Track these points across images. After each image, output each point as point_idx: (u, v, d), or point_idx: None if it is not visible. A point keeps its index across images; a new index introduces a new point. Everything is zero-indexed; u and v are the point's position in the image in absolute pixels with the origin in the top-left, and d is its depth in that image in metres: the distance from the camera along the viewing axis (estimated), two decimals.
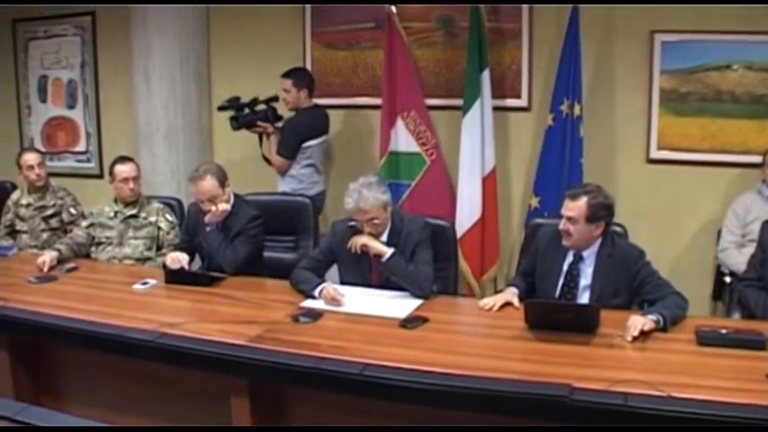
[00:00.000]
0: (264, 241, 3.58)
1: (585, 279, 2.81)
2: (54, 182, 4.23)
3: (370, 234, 2.99)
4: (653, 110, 4.06)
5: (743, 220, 3.62)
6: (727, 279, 3.68)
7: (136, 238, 3.68)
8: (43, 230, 4.07)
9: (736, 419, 1.90)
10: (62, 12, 5.45)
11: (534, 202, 4.10)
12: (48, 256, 3.41)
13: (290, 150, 4.21)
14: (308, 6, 4.75)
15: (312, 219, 3.84)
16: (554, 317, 2.54)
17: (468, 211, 4.18)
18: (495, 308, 2.80)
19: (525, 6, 4.23)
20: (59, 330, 2.70)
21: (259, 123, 4.27)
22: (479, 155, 4.15)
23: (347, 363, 2.30)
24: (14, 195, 4.18)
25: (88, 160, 5.63)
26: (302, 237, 3.82)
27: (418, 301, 2.89)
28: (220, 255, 3.34)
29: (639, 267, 2.74)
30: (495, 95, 4.20)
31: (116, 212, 3.71)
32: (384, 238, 3.02)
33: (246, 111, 4.26)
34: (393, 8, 4.30)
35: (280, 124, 4.31)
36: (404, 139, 4.36)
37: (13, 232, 4.12)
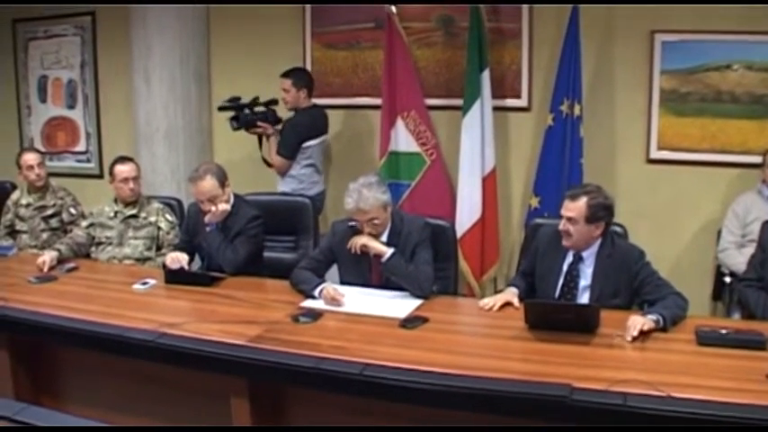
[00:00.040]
0: (264, 241, 3.58)
1: (585, 279, 2.81)
2: (54, 182, 4.23)
3: (370, 234, 2.99)
4: (653, 110, 4.06)
5: (743, 221, 3.62)
6: (727, 279, 3.68)
7: (136, 238, 3.68)
8: (43, 230, 4.07)
9: (736, 419, 1.90)
10: (62, 12, 5.45)
11: (534, 202, 4.10)
12: (48, 256, 3.41)
13: (290, 150, 4.21)
14: (308, 6, 4.75)
15: (312, 219, 3.84)
16: (554, 317, 2.54)
17: (468, 211, 4.18)
18: (495, 308, 2.80)
19: (525, 6, 4.23)
20: (59, 330, 2.70)
21: (259, 123, 4.27)
22: (479, 155, 4.15)
23: (347, 363, 2.30)
24: (14, 195, 4.18)
25: (88, 160, 5.63)
26: (302, 237, 3.82)
27: (418, 302, 2.89)
28: (220, 255, 3.34)
29: (639, 268, 2.74)
30: (495, 95, 4.20)
31: (116, 212, 3.71)
32: (384, 238, 3.02)
33: (246, 111, 4.26)
34: (393, 8, 4.30)
35: (279, 127, 4.30)
36: (404, 139, 4.36)
37: (12, 232, 4.12)
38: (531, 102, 4.33)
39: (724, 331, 2.40)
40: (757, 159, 3.70)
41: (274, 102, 4.30)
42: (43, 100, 5.72)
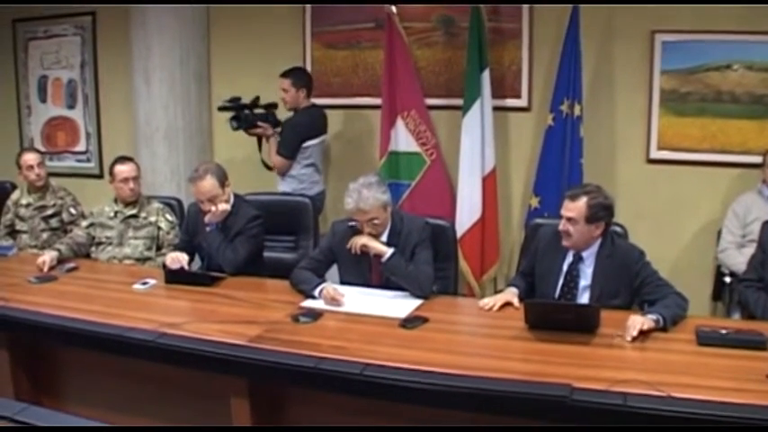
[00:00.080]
0: (264, 241, 3.58)
1: (585, 279, 2.81)
2: (54, 182, 4.23)
3: (370, 234, 2.99)
4: (653, 110, 4.06)
5: (743, 221, 3.62)
6: (728, 279, 3.68)
7: (136, 238, 3.68)
8: (43, 230, 4.07)
9: (736, 420, 1.90)
10: (62, 12, 5.44)
11: (534, 202, 4.10)
12: (48, 256, 3.41)
13: (290, 150, 4.20)
14: (308, 6, 4.75)
15: (312, 219, 3.84)
16: (554, 317, 2.54)
17: (468, 211, 4.18)
18: (495, 308, 2.80)
19: (525, 6, 4.24)
20: (59, 330, 2.69)
21: (259, 123, 4.27)
22: (479, 155, 4.15)
23: (347, 363, 2.30)
24: (14, 195, 4.18)
25: (88, 160, 5.63)
26: (302, 237, 3.82)
27: (418, 301, 2.89)
28: (220, 255, 3.33)
29: (639, 268, 2.74)
30: (495, 95, 4.20)
31: (116, 212, 3.71)
32: (384, 238, 3.02)
33: (247, 112, 4.25)
34: (393, 8, 4.31)
35: (278, 129, 4.30)
36: (404, 139, 4.36)
37: (13, 232, 4.12)
38: (531, 102, 4.33)
39: (724, 331, 2.40)
40: (757, 159, 3.70)
41: (274, 105, 4.30)
42: (43, 100, 5.72)
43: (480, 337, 2.73)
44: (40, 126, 5.77)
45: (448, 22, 4.43)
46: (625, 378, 2.10)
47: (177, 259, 3.29)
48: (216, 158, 4.84)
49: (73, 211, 4.11)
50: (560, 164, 3.98)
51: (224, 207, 3.38)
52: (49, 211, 4.09)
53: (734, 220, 3.66)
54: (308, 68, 4.66)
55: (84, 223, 3.77)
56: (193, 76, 4.89)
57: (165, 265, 3.32)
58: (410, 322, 2.67)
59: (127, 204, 3.71)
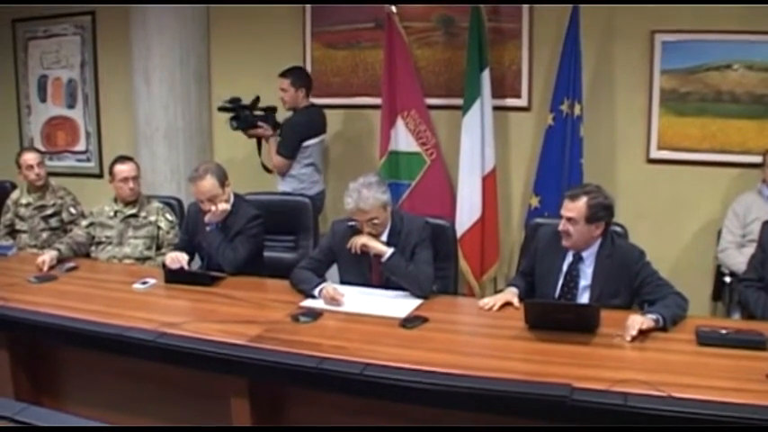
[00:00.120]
0: (264, 241, 3.58)
1: (585, 279, 2.80)
2: (54, 181, 4.23)
3: (370, 234, 2.99)
4: (653, 110, 4.06)
5: (743, 220, 3.62)
6: (728, 279, 3.68)
7: (136, 238, 3.68)
8: (43, 230, 4.07)
9: (736, 419, 1.90)
10: (62, 11, 5.44)
11: (534, 201, 4.10)
12: (47, 256, 3.41)
13: (290, 150, 4.20)
14: (308, 6, 4.75)
15: (312, 218, 3.84)
16: (554, 317, 2.54)
17: (468, 211, 4.18)
18: (495, 308, 2.80)
19: (525, 6, 4.24)
20: (59, 330, 2.69)
21: (259, 124, 4.26)
22: (479, 154, 4.15)
23: (348, 363, 2.30)
24: (14, 195, 4.18)
25: (88, 160, 5.62)
26: (302, 236, 3.82)
27: (418, 301, 2.89)
28: (220, 254, 3.33)
29: (639, 268, 2.74)
30: (495, 95, 4.20)
31: (116, 212, 3.71)
32: (384, 237, 3.02)
33: (246, 112, 4.25)
34: (393, 8, 4.31)
35: (278, 132, 4.30)
36: (404, 139, 4.36)
37: (12, 232, 4.12)
38: (532, 101, 4.33)
39: (724, 331, 2.40)
40: (757, 159, 3.70)
41: (274, 109, 4.30)
42: (43, 99, 5.72)
43: (480, 337, 2.73)
44: (39, 126, 5.77)
45: (448, 21, 4.43)
46: (625, 378, 2.10)
47: (177, 259, 3.29)
48: (216, 158, 4.84)
49: (73, 210, 4.11)
50: (560, 164, 3.98)
51: (224, 207, 3.37)
52: (49, 211, 4.09)
53: (734, 220, 3.66)
54: (308, 68, 4.66)
55: (84, 223, 3.77)
56: (193, 76, 4.89)
57: (164, 265, 3.32)
58: (410, 322, 2.67)
59: (127, 204, 3.71)
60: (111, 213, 3.71)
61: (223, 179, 3.38)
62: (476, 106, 4.12)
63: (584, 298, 2.80)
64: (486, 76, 4.13)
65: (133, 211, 3.70)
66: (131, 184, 3.67)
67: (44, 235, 4.06)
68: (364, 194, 2.92)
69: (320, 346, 2.43)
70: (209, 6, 4.95)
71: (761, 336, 2.35)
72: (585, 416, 2.03)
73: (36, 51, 5.66)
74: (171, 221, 3.74)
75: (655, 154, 4.10)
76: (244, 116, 4.23)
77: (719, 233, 3.75)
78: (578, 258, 2.82)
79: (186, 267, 3.31)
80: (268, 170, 4.35)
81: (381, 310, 2.80)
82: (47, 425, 1.37)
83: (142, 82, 4.82)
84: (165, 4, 4.70)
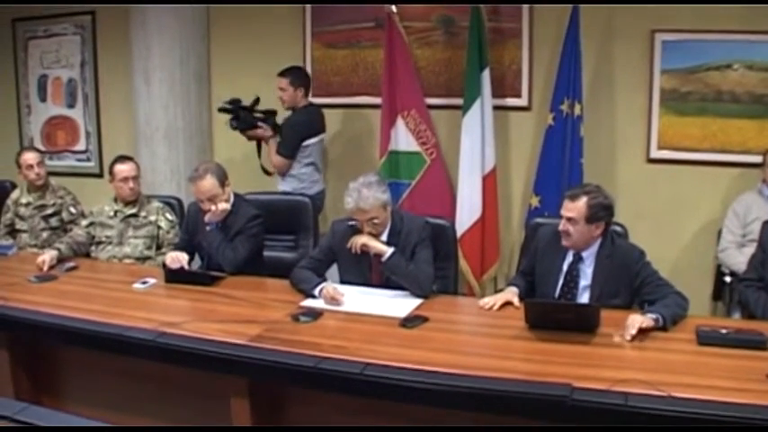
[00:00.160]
0: (264, 240, 3.58)
1: (585, 279, 2.80)
2: (54, 181, 4.23)
3: (370, 233, 2.99)
4: (653, 109, 4.06)
5: (743, 220, 3.62)
6: (728, 279, 3.68)
7: (136, 238, 3.68)
8: (43, 229, 4.07)
9: (737, 419, 1.90)
10: (62, 11, 5.44)
11: (534, 201, 4.10)
12: (47, 256, 3.41)
13: (290, 149, 4.20)
14: (308, 6, 4.74)
15: (312, 218, 3.84)
16: (554, 316, 2.54)
17: (468, 211, 4.18)
18: (496, 307, 2.80)
19: (525, 6, 4.23)
20: (59, 330, 2.69)
21: (259, 124, 4.26)
22: (479, 154, 4.15)
23: (348, 362, 2.30)
24: (14, 194, 4.18)
25: (88, 159, 5.62)
26: (302, 236, 3.82)
27: (418, 301, 2.88)
28: (220, 254, 3.33)
29: (640, 267, 2.74)
30: (495, 95, 4.20)
31: (116, 212, 3.71)
32: (384, 237, 3.02)
33: (246, 113, 4.24)
34: (393, 8, 4.31)
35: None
36: (404, 139, 4.36)
37: (12, 231, 4.12)
38: (532, 101, 4.33)
39: (724, 331, 2.40)
40: (758, 159, 3.70)
41: (274, 112, 4.29)
42: (43, 99, 5.72)
43: (480, 337, 2.73)
44: (39, 125, 5.77)
45: (448, 21, 4.43)
46: (625, 378, 2.10)
47: (177, 258, 3.29)
48: (216, 158, 4.84)
49: (73, 210, 4.11)
50: (560, 163, 3.98)
51: (224, 206, 3.37)
52: (49, 211, 4.09)
53: (734, 220, 3.66)
54: (309, 68, 4.66)
55: (84, 222, 3.77)
56: (193, 76, 4.89)
57: (164, 265, 3.32)
58: (410, 322, 2.67)
59: (127, 204, 3.71)
60: (111, 213, 3.71)
61: (223, 179, 3.38)
62: (476, 106, 4.12)
63: (584, 298, 2.80)
64: (486, 75, 4.13)
65: (133, 210, 3.70)
66: (131, 184, 3.67)
67: (44, 234, 4.06)
68: (364, 194, 2.92)
69: (320, 346, 2.43)
70: (209, 6, 4.95)
71: (761, 335, 2.35)
72: (586, 415, 2.03)
73: (36, 51, 5.66)
74: (171, 221, 3.74)
75: (655, 154, 4.10)
76: (243, 116, 4.23)
77: (720, 233, 3.75)
78: (578, 258, 2.82)
79: (186, 267, 3.31)
80: (267, 173, 4.34)
81: (381, 309, 2.80)
82: (47, 425, 1.37)
83: (142, 82, 4.82)
84: (165, 4, 4.70)
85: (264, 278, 3.33)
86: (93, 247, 3.71)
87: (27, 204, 4.09)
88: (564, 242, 2.79)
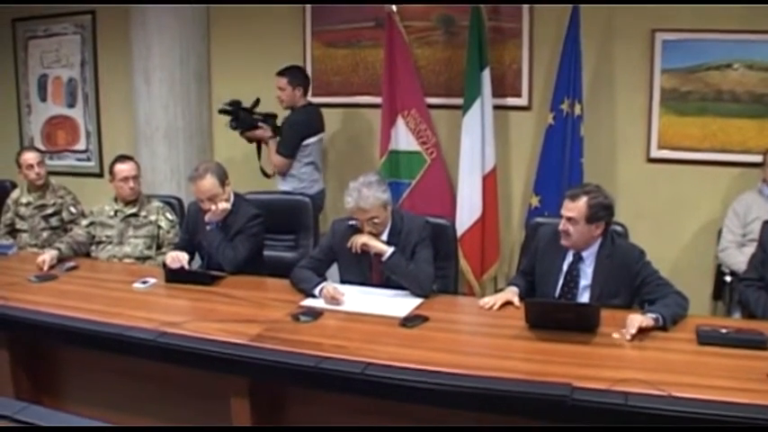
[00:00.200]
0: (264, 240, 3.58)
1: (585, 279, 2.80)
2: (54, 180, 4.23)
3: (371, 233, 2.99)
4: (653, 109, 4.06)
5: (743, 220, 3.62)
6: (728, 279, 3.68)
7: (136, 237, 3.68)
8: (43, 229, 4.07)
9: (737, 419, 1.90)
10: (62, 11, 5.44)
11: (534, 201, 4.10)
12: (48, 255, 3.41)
13: (289, 149, 4.20)
14: (308, 6, 4.75)
15: (312, 218, 3.84)
16: (554, 316, 2.54)
17: (468, 210, 4.18)
18: (496, 307, 2.80)
19: (526, 6, 4.23)
20: (59, 329, 2.69)
21: (259, 125, 4.26)
22: (479, 154, 4.15)
23: (348, 362, 2.30)
24: (14, 194, 4.18)
25: (88, 159, 5.62)
26: (302, 236, 3.82)
27: (418, 300, 2.88)
28: (220, 253, 3.33)
29: (640, 267, 2.73)
30: (495, 94, 4.20)
31: (116, 211, 3.71)
32: (384, 237, 3.02)
33: (246, 114, 4.24)
34: (393, 7, 4.31)
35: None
36: (404, 138, 4.36)
37: (13, 231, 4.12)
38: (532, 101, 4.33)
39: (724, 331, 2.40)
40: (758, 159, 3.70)
41: (274, 116, 4.29)
42: (43, 99, 5.72)
43: (481, 337, 2.73)
44: (40, 125, 5.77)
45: (448, 21, 4.43)
46: (626, 377, 2.10)
47: (177, 258, 3.29)
48: (216, 158, 4.84)
49: (73, 209, 4.11)
50: (561, 163, 3.98)
51: (224, 206, 3.37)
52: (49, 210, 4.09)
53: (734, 220, 3.66)
54: (309, 68, 4.66)
55: (84, 222, 3.77)
56: (193, 76, 4.89)
57: (165, 264, 3.32)
58: (410, 321, 2.67)
59: (127, 203, 3.71)
60: (112, 213, 3.71)
61: (223, 178, 3.38)
62: (476, 105, 4.12)
63: (584, 297, 2.80)
64: (486, 75, 4.13)
65: (133, 210, 3.70)
66: (131, 184, 3.67)
67: (44, 234, 4.06)
68: (364, 193, 2.91)
69: (320, 346, 2.43)
70: (209, 6, 4.95)
71: (761, 335, 2.35)
72: (586, 415, 2.03)
73: (36, 51, 5.66)
74: (171, 221, 3.74)
75: (655, 153, 4.10)
76: (243, 116, 4.22)
77: (720, 233, 3.75)
78: (578, 258, 2.82)
79: (186, 267, 3.31)
80: (267, 175, 4.34)
81: (382, 309, 2.80)
82: (47, 424, 1.37)
83: (142, 82, 4.82)
84: (165, 4, 4.70)
85: (265, 278, 3.33)
86: (93, 247, 3.71)
87: (27, 204, 4.09)
88: (564, 242, 2.79)
